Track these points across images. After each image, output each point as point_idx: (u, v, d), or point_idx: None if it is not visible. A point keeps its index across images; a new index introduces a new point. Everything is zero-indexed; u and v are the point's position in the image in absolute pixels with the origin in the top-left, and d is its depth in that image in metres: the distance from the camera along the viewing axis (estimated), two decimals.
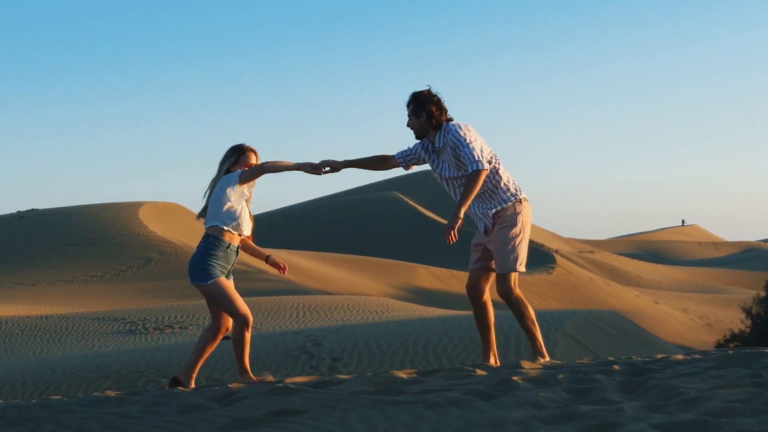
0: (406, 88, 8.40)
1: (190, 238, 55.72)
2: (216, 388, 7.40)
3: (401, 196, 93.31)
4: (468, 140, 7.33)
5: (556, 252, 77.78)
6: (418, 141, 7.70)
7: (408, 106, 7.55)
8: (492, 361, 7.62)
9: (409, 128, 7.60)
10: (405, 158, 7.75)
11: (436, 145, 7.50)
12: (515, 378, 6.36)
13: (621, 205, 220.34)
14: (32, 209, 63.10)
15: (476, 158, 7.26)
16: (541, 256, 73.09)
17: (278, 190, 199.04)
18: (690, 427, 5.01)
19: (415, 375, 7.18)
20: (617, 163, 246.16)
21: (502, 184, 7.45)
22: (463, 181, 7.38)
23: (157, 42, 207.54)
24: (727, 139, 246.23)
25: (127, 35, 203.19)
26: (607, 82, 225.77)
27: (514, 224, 7.43)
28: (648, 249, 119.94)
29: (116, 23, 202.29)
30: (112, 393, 7.69)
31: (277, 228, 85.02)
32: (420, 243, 78.00)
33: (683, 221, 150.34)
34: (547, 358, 7.58)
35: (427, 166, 7.82)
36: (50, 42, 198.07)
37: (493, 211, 7.45)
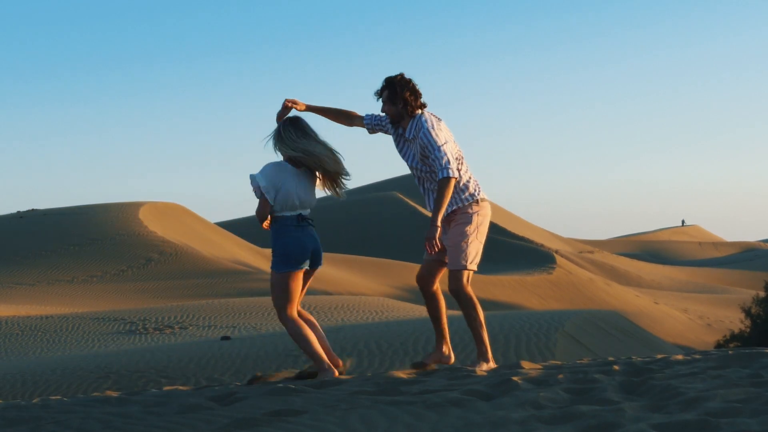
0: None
1: (190, 238, 55.72)
2: (216, 388, 7.40)
3: (401, 196, 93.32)
4: (439, 143, 7.18)
5: (556, 252, 77.81)
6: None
7: (382, 92, 7.35)
8: (445, 350, 7.53)
9: (385, 113, 7.43)
10: (373, 123, 7.59)
11: (407, 135, 7.36)
12: (515, 378, 6.36)
13: (621, 205, 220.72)
14: (32, 209, 63.10)
15: (446, 164, 7.13)
16: (541, 256, 73.13)
17: None
18: (690, 427, 5.01)
19: (415, 375, 7.18)
20: (617, 163, 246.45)
21: (461, 184, 7.34)
22: (427, 171, 7.31)
23: (157, 42, 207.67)
24: (727, 139, 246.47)
25: (127, 35, 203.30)
26: (607, 82, 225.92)
27: (468, 222, 7.37)
28: (648, 249, 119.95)
29: (116, 23, 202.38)
30: (112, 393, 7.69)
31: None
32: (420, 243, 76.82)
33: (683, 221, 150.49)
34: (492, 365, 7.36)
35: None
36: (50, 42, 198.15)
37: (449, 210, 7.38)
